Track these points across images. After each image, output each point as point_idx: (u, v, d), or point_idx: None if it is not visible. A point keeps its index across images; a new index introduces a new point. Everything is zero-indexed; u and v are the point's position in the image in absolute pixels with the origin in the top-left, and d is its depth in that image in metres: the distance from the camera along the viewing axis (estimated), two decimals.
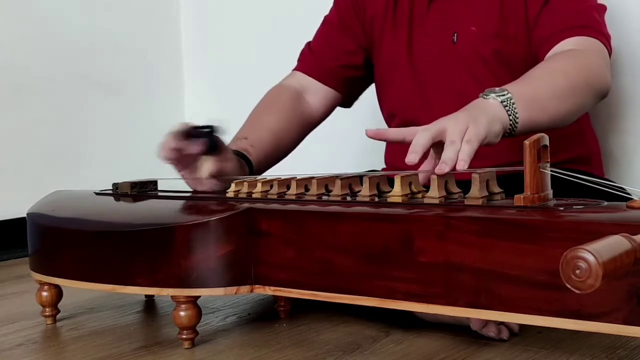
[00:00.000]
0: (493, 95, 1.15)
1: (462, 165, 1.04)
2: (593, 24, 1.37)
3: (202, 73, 2.62)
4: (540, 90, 1.21)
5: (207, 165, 1.32)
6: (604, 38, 1.37)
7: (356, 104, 1.71)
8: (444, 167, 1.03)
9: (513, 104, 1.14)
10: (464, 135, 1.06)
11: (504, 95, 1.14)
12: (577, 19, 1.36)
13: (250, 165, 1.43)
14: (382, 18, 1.56)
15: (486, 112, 1.11)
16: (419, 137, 1.05)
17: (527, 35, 1.41)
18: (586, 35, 1.35)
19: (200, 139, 1.30)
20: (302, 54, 1.67)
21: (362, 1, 1.59)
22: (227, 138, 1.36)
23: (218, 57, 2.57)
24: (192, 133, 1.30)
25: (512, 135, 1.16)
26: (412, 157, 1.04)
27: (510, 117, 1.14)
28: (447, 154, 1.04)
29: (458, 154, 1.04)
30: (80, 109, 2.35)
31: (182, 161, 1.32)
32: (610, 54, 1.38)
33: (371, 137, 1.15)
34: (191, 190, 1.39)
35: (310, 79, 1.62)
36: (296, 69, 1.66)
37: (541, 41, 1.37)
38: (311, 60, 1.64)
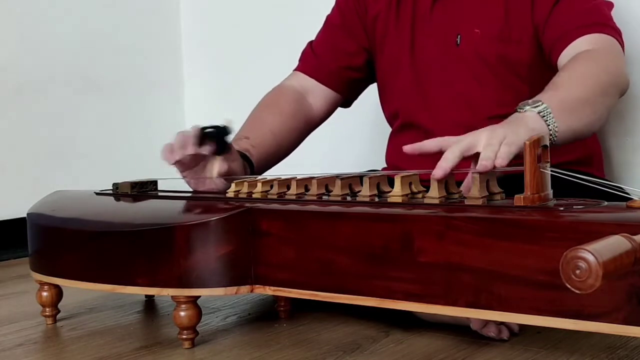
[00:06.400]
0: (528, 107, 1.12)
1: (500, 163, 1.01)
2: (606, 21, 1.36)
3: (202, 73, 2.62)
4: (573, 97, 1.19)
5: (217, 166, 1.32)
6: (617, 33, 1.36)
7: (357, 104, 1.71)
8: (485, 164, 1.01)
9: (550, 113, 1.12)
10: (502, 142, 1.04)
11: (539, 106, 1.12)
12: (589, 17, 1.35)
13: (252, 165, 1.43)
14: (384, 18, 1.55)
15: (525, 124, 1.09)
16: (450, 152, 1.03)
17: (533, 40, 1.40)
18: (600, 32, 1.33)
19: (210, 140, 1.30)
20: (304, 54, 1.66)
21: (364, 2, 1.58)
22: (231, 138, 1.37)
23: (218, 57, 2.57)
24: (202, 134, 1.30)
25: (554, 145, 1.12)
26: (439, 173, 1.02)
27: (550, 127, 1.12)
28: (486, 153, 1.02)
29: (496, 154, 1.02)
30: (80, 108, 2.35)
31: (190, 163, 1.33)
32: (623, 48, 1.37)
33: (409, 153, 1.11)
34: (191, 190, 1.39)
35: (312, 80, 1.62)
36: (297, 69, 1.65)
37: (554, 41, 1.36)
38: (313, 61, 1.63)
